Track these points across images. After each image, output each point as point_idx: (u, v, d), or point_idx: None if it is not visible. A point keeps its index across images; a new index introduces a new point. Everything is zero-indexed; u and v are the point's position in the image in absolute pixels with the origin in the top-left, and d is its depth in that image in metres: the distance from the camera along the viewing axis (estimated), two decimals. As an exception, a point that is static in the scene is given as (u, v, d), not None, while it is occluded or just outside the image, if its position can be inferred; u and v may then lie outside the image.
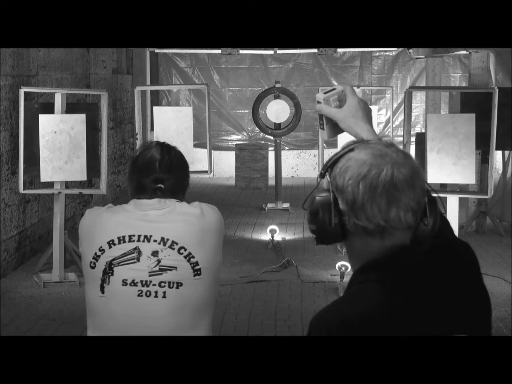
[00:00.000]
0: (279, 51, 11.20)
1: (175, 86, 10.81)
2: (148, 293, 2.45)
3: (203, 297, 2.50)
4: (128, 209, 2.54)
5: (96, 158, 6.78)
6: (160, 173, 2.57)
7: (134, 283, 2.45)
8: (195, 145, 8.56)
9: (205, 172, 7.92)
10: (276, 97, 10.07)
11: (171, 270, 2.45)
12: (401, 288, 1.51)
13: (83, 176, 6.64)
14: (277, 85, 10.04)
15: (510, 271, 6.78)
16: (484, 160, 7.91)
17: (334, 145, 9.25)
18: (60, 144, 6.49)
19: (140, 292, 2.45)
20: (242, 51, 10.64)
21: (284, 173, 11.61)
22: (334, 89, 1.90)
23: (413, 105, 8.22)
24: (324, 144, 8.22)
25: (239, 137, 12.59)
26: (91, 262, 2.50)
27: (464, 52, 9.24)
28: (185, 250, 2.46)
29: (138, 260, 2.46)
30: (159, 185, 2.56)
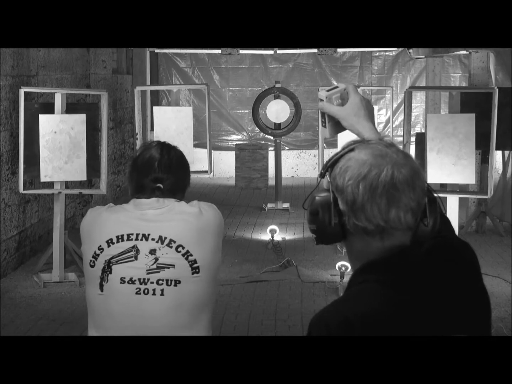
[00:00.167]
0: (279, 51, 11.20)
1: (175, 86, 10.81)
2: (146, 291, 2.46)
3: (201, 295, 2.51)
4: (127, 209, 2.55)
5: (96, 158, 6.78)
6: (159, 173, 2.58)
7: (132, 281, 2.46)
8: (195, 145, 8.56)
9: (205, 172, 7.92)
10: (276, 97, 10.07)
11: (168, 268, 2.46)
12: (400, 288, 1.51)
13: (83, 176, 6.64)
14: (277, 85, 10.04)
15: (510, 271, 6.78)
16: (484, 160, 7.91)
17: (334, 145, 9.25)
18: (60, 144, 6.49)
19: (138, 290, 2.46)
20: (242, 51, 10.64)
21: (284, 173, 11.62)
22: (337, 87, 1.90)
23: (413, 105, 8.22)
24: (324, 144, 8.23)
25: (239, 137, 12.59)
26: (90, 261, 2.51)
27: (464, 52, 9.25)
28: (183, 248, 2.46)
29: (136, 258, 2.47)
30: (158, 184, 2.57)
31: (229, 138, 12.62)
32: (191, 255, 2.47)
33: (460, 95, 7.26)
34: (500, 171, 9.13)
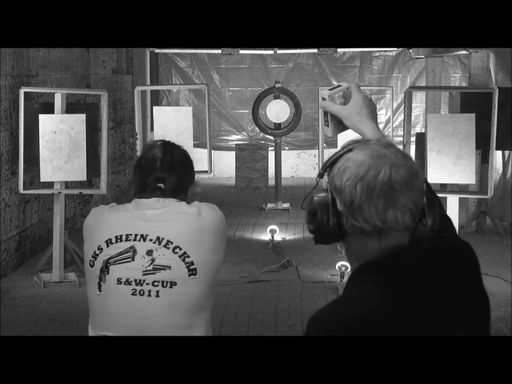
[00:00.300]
0: (279, 51, 11.20)
1: (175, 86, 10.81)
2: (141, 292, 2.45)
3: (199, 296, 2.50)
4: (128, 209, 2.55)
5: (96, 158, 6.78)
6: (160, 172, 2.57)
7: (128, 282, 2.46)
8: (195, 145, 8.56)
9: (205, 172, 7.92)
10: (276, 97, 10.07)
11: (164, 269, 2.45)
12: (398, 289, 1.51)
13: (83, 176, 6.64)
14: (277, 85, 10.04)
15: (510, 271, 6.77)
16: (484, 160, 7.91)
17: (334, 145, 9.25)
18: (60, 144, 6.49)
19: (134, 291, 2.46)
20: (242, 51, 10.64)
21: (284, 173, 11.61)
22: (339, 86, 1.90)
23: (413, 105, 8.22)
24: (324, 144, 8.22)
25: (239, 137, 12.59)
26: (90, 260, 2.51)
27: (464, 52, 9.24)
28: (180, 249, 2.45)
29: (133, 259, 2.46)
30: (159, 184, 2.56)
31: (229, 138, 12.62)
32: (188, 256, 2.46)
33: (460, 95, 7.26)
34: (500, 171, 9.13)
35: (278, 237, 7.89)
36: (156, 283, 2.45)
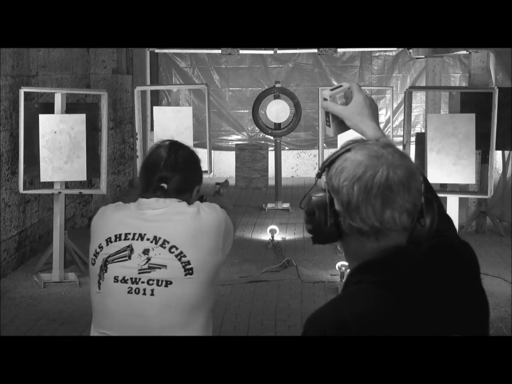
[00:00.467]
0: (279, 51, 11.20)
1: (175, 86, 10.81)
2: (137, 290, 2.46)
3: (195, 296, 2.50)
4: (131, 208, 2.57)
5: (96, 158, 6.78)
6: (164, 172, 2.58)
7: (124, 280, 2.47)
8: (195, 145, 8.49)
9: (205, 172, 7.90)
10: (276, 97, 10.07)
11: (160, 268, 2.46)
12: (396, 289, 1.51)
13: (83, 176, 6.64)
14: (277, 85, 10.04)
15: (510, 271, 6.77)
16: (484, 160, 7.91)
17: (334, 144, 9.25)
18: (60, 144, 6.49)
19: (129, 289, 2.47)
20: (242, 51, 10.64)
21: (284, 173, 11.62)
22: (341, 86, 1.90)
23: (413, 105, 8.22)
24: (324, 144, 8.22)
25: (239, 137, 12.59)
26: (92, 259, 2.54)
27: (464, 52, 9.24)
28: (177, 249, 2.46)
29: (130, 257, 2.48)
30: (162, 184, 2.57)
31: (229, 138, 12.62)
32: (184, 256, 2.46)
33: (460, 95, 7.26)
34: (500, 171, 9.13)
35: (278, 237, 7.89)
36: (151, 282, 2.45)
